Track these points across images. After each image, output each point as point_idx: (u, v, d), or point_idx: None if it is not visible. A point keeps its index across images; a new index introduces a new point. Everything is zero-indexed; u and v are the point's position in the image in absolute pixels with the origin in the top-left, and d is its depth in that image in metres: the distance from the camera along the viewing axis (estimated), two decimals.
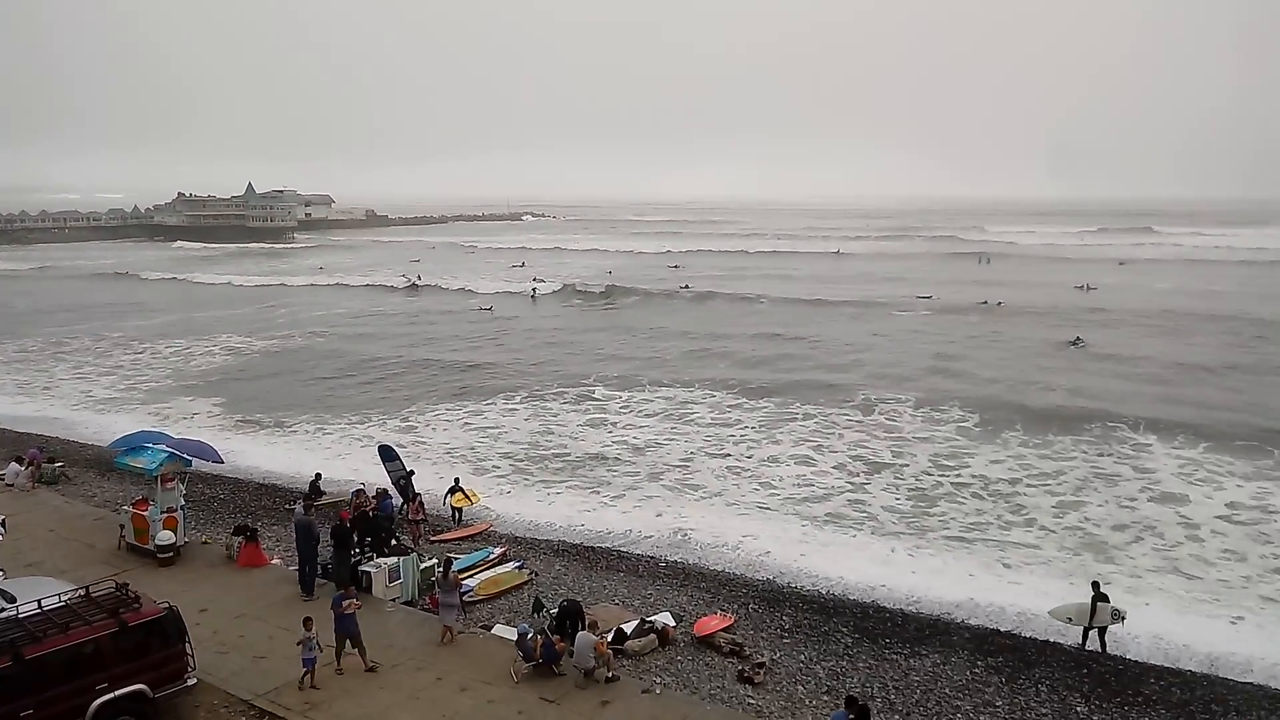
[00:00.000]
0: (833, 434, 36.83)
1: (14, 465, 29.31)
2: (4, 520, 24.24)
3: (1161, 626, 20.35)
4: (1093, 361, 52.04)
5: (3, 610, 14.99)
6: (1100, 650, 19.31)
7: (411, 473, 28.45)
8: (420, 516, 25.73)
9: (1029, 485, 30.58)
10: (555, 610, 18.90)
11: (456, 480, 28.79)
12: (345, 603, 16.73)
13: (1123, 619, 19.34)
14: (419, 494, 27.44)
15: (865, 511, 28.47)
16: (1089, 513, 28.04)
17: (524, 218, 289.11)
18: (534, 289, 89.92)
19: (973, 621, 20.97)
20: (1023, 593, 22.36)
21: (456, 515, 27.70)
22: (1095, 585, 19.93)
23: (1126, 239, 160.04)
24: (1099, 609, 19.27)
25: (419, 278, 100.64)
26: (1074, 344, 56.84)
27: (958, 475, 31.71)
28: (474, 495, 28.55)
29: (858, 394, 43.31)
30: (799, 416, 39.76)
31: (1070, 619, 19.77)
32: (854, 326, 64.82)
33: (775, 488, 30.79)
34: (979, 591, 22.49)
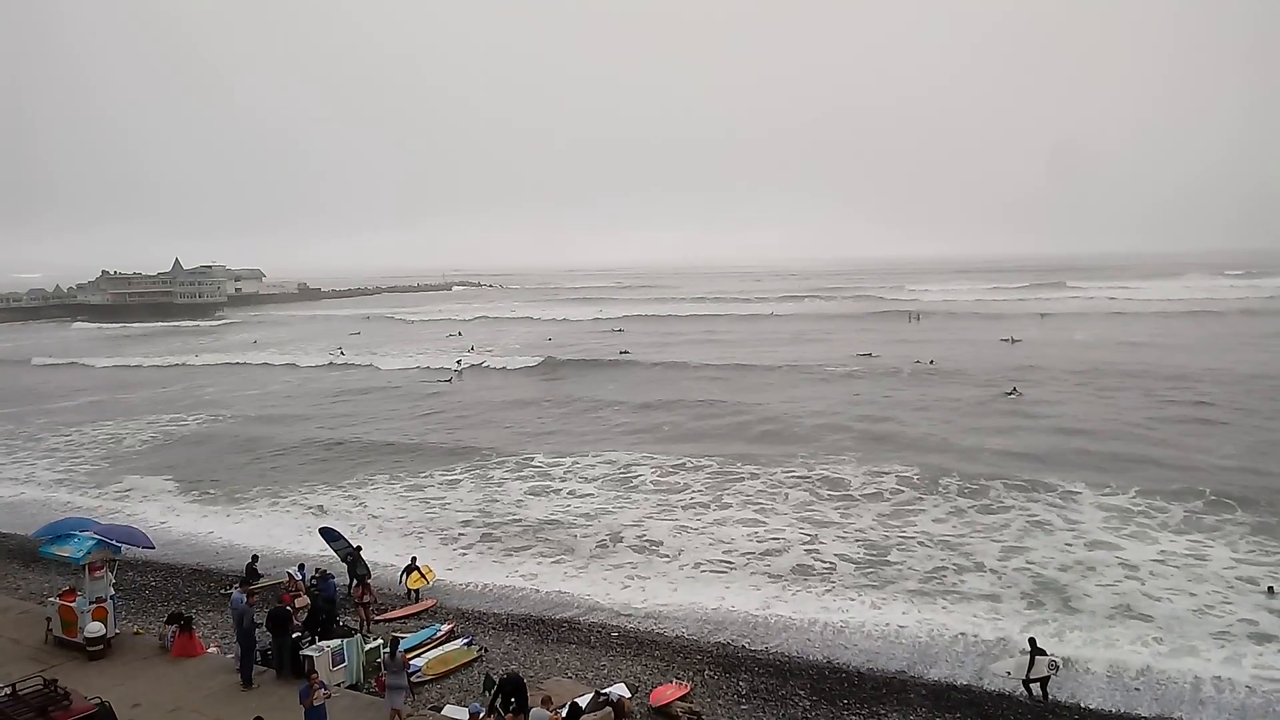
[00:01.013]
0: (779, 495, 36.87)
1: None
2: None
3: (1118, 662, 20.98)
4: (1027, 409, 53.23)
5: None
6: (1044, 699, 19.48)
7: (359, 548, 27.71)
8: (367, 598, 24.76)
9: (974, 537, 30.87)
10: (493, 688, 18.42)
11: (413, 559, 28.09)
12: (313, 693, 16.04)
13: (1058, 668, 19.71)
14: (368, 570, 26.81)
15: (817, 570, 28.41)
16: (1033, 559, 28.42)
17: (452, 288, 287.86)
18: (459, 363, 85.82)
19: (930, 676, 20.97)
20: (976, 643, 22.54)
21: (414, 596, 26.98)
22: (1032, 641, 20.26)
23: (1044, 293, 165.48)
24: (1036, 662, 19.61)
25: (340, 351, 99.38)
26: (1010, 394, 58.20)
27: (903, 531, 31.90)
28: (429, 573, 27.92)
29: (799, 455, 43.54)
30: (744, 478, 39.79)
31: (1009, 673, 20.05)
32: (792, 388, 65.05)
33: (727, 549, 30.61)
34: (933, 644, 22.64)
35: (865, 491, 36.80)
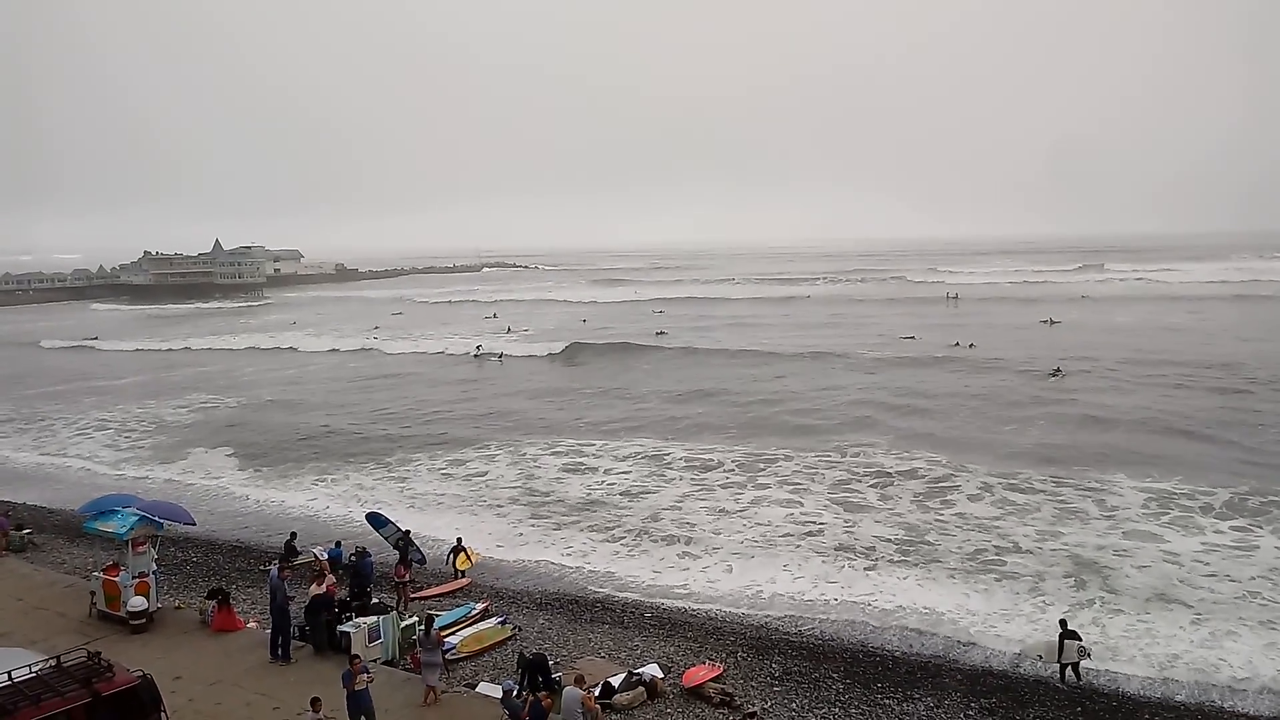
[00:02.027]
0: (814, 478, 36.65)
1: None
2: None
3: (1156, 649, 20.83)
4: (1067, 392, 52.48)
5: None
6: (1078, 683, 19.35)
7: (408, 532, 28.11)
8: (406, 579, 24.96)
9: (1011, 521, 30.54)
10: (520, 670, 18.54)
11: (459, 540, 28.37)
12: (356, 678, 16.07)
13: (1088, 654, 19.56)
14: (423, 555, 27.39)
15: (853, 553, 28.23)
16: (1070, 543, 28.07)
17: (482, 269, 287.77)
18: (478, 348, 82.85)
19: (965, 661, 20.84)
20: (1011, 628, 22.35)
21: (460, 576, 27.25)
22: (1063, 623, 20.14)
23: (1082, 275, 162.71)
24: (1066, 646, 19.45)
25: (375, 331, 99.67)
26: (1054, 374, 57.54)
27: (939, 515, 31.63)
28: (474, 554, 28.13)
29: (834, 440, 43.28)
30: (779, 459, 39.63)
31: (1040, 656, 19.97)
32: (828, 374, 64.22)
33: (761, 531, 30.52)
34: (968, 628, 22.48)
35: (900, 475, 36.48)
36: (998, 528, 29.91)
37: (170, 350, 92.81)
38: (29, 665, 14.51)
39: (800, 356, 70.80)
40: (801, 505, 33.15)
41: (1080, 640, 19.60)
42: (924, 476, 36.14)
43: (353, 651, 19.78)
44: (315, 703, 15.53)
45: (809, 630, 22.88)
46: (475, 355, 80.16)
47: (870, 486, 35.11)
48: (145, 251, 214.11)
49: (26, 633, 20.92)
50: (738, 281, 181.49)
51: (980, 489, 34.14)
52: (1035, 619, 22.85)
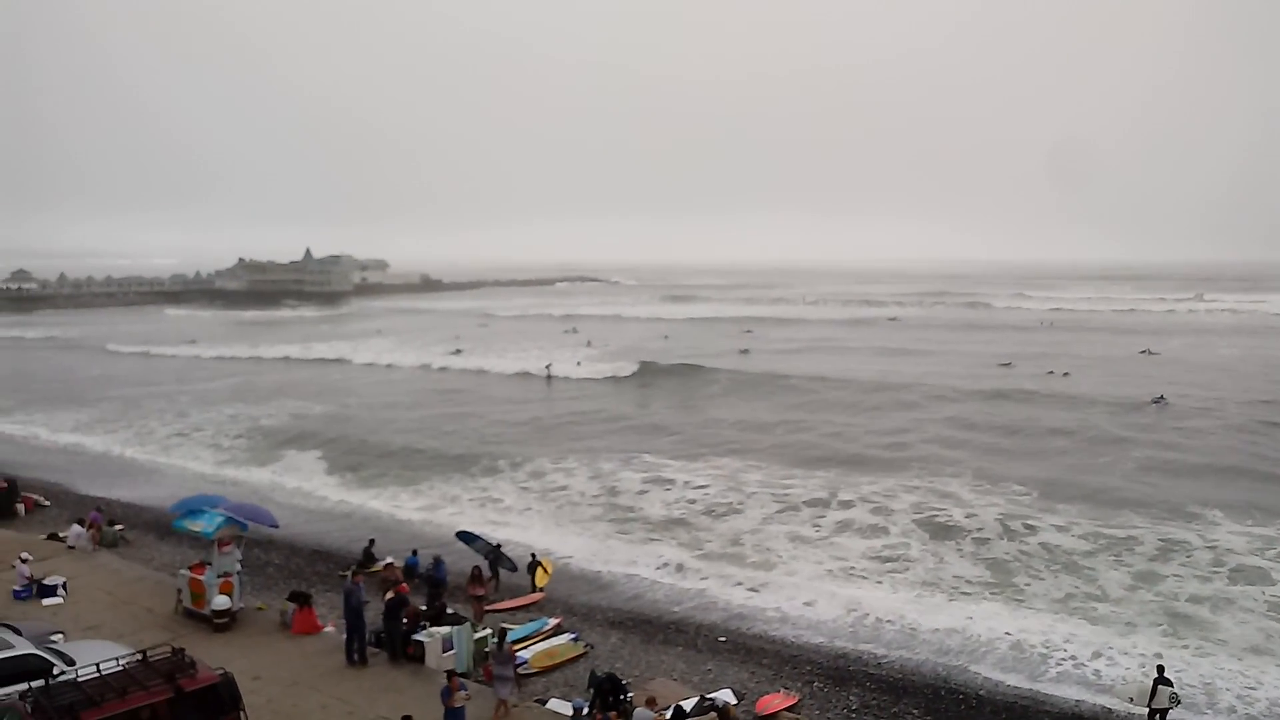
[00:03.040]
0: (895, 508, 35.79)
1: (76, 528, 29.65)
2: (65, 583, 24.48)
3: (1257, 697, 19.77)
4: (1166, 425, 50.50)
5: (62, 673, 14.91)
6: None
7: (498, 545, 28.47)
8: (481, 592, 24.99)
9: (1105, 558, 29.37)
10: (591, 689, 18.34)
11: (534, 555, 28.47)
12: (453, 695, 16.00)
13: (1179, 702, 18.76)
14: (514, 565, 27.84)
15: (935, 584, 27.49)
16: (1167, 584, 26.92)
17: (556, 284, 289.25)
18: (547, 367, 79.72)
19: (1051, 702, 20.01)
20: (1100, 668, 21.44)
21: (538, 591, 27.24)
22: (1159, 669, 19.28)
23: (1181, 304, 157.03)
24: (1159, 691, 18.59)
25: (459, 346, 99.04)
26: (1156, 402, 55.55)
27: (1026, 547, 30.60)
28: (549, 567, 28.16)
29: (919, 467, 42.33)
30: (861, 484, 38.91)
31: (1131, 699, 19.18)
32: (917, 399, 62.72)
33: (841, 560, 29.92)
34: (1055, 667, 21.67)
35: (987, 509, 35.37)
36: (1089, 566, 28.80)
37: (261, 358, 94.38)
38: (116, 658, 14.89)
39: (886, 384, 68.34)
40: (884, 535, 32.41)
41: (1173, 686, 18.74)
42: (1011, 510, 35.02)
43: (427, 662, 19.90)
44: None
45: (889, 663, 22.24)
46: (547, 376, 77.53)
47: (954, 519, 34.10)
48: (240, 258, 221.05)
49: (115, 626, 21.52)
50: (820, 302, 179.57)
51: (1070, 524, 32.94)
52: (1125, 661, 21.91)
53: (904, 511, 35.00)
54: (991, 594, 26.71)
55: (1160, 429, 50.06)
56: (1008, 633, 23.68)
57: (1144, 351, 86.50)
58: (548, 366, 79.65)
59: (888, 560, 29.85)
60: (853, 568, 29.14)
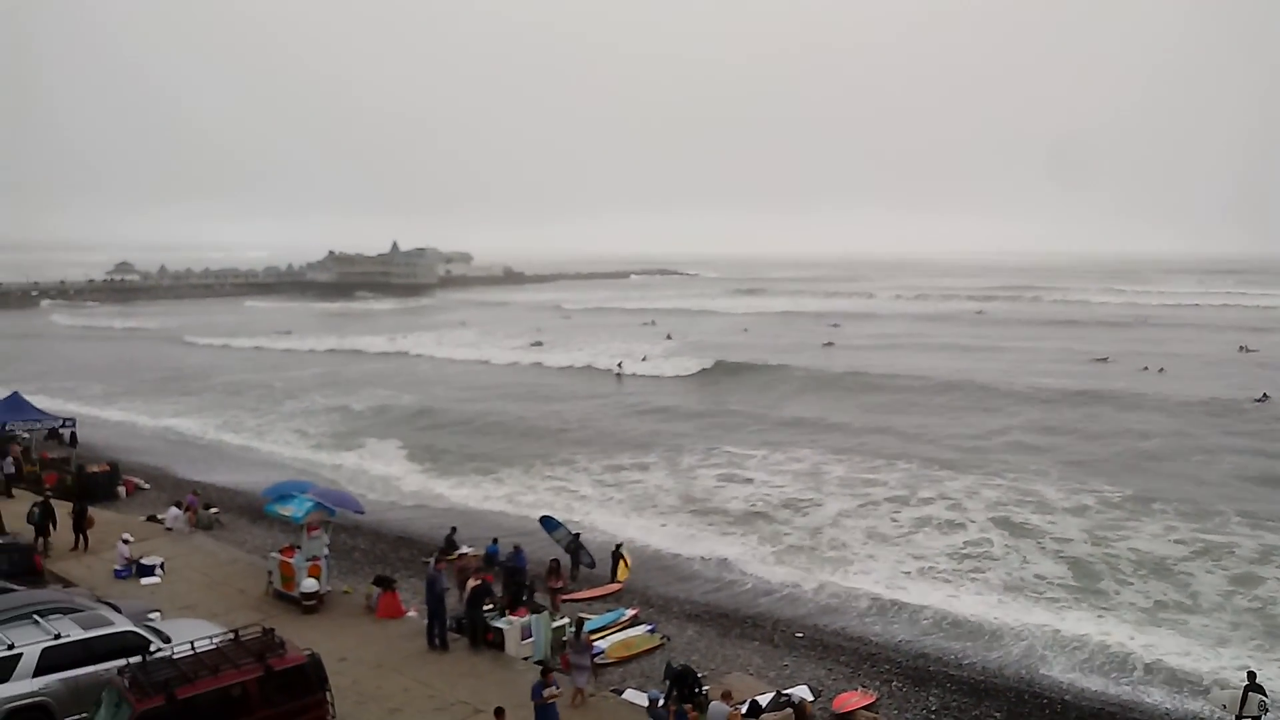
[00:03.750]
0: (976, 506, 35.08)
1: (174, 510, 30.87)
2: (163, 563, 25.51)
3: None
4: (1267, 429, 48.40)
5: (159, 650, 15.56)
6: None
7: (578, 535, 28.74)
8: (559, 585, 25.07)
9: (1199, 562, 28.35)
10: (667, 681, 18.34)
11: (617, 546, 28.69)
12: (546, 691, 16.04)
13: (1267, 709, 18.07)
14: (593, 559, 28.09)
15: (1018, 585, 26.89)
16: (1265, 590, 25.91)
17: (629, 275, 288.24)
18: (620, 365, 77.19)
19: (1139, 708, 19.41)
20: (1189, 674, 20.73)
21: (614, 581, 27.41)
22: (1251, 675, 18.61)
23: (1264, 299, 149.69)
24: (1249, 699, 17.95)
25: (539, 338, 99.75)
26: (1260, 401, 53.35)
27: (1114, 549, 29.68)
28: (629, 560, 28.28)
29: (1002, 463, 41.45)
30: (942, 480, 38.26)
31: (1224, 706, 18.56)
32: (1005, 395, 61.07)
33: (921, 558, 29.46)
34: (1142, 671, 21.04)
35: (1073, 508, 34.45)
36: (1181, 571, 27.80)
37: (347, 350, 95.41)
38: (210, 637, 15.49)
39: (971, 381, 65.69)
40: (965, 533, 31.80)
41: (1264, 695, 18.05)
42: (1099, 509, 34.06)
43: (506, 650, 20.20)
44: (500, 713, 15.44)
45: (969, 663, 21.82)
46: (618, 375, 75.23)
47: (1039, 519, 33.27)
48: (330, 251, 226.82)
49: (209, 606, 22.36)
50: (903, 295, 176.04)
51: (1163, 528, 31.85)
52: (1215, 669, 21.13)
53: (986, 510, 34.30)
54: (1077, 597, 26.00)
55: (1263, 430, 47.98)
56: (1093, 637, 22.99)
57: (1242, 348, 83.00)
58: (619, 364, 77.63)
59: (969, 559, 29.27)
60: (933, 566, 28.65)
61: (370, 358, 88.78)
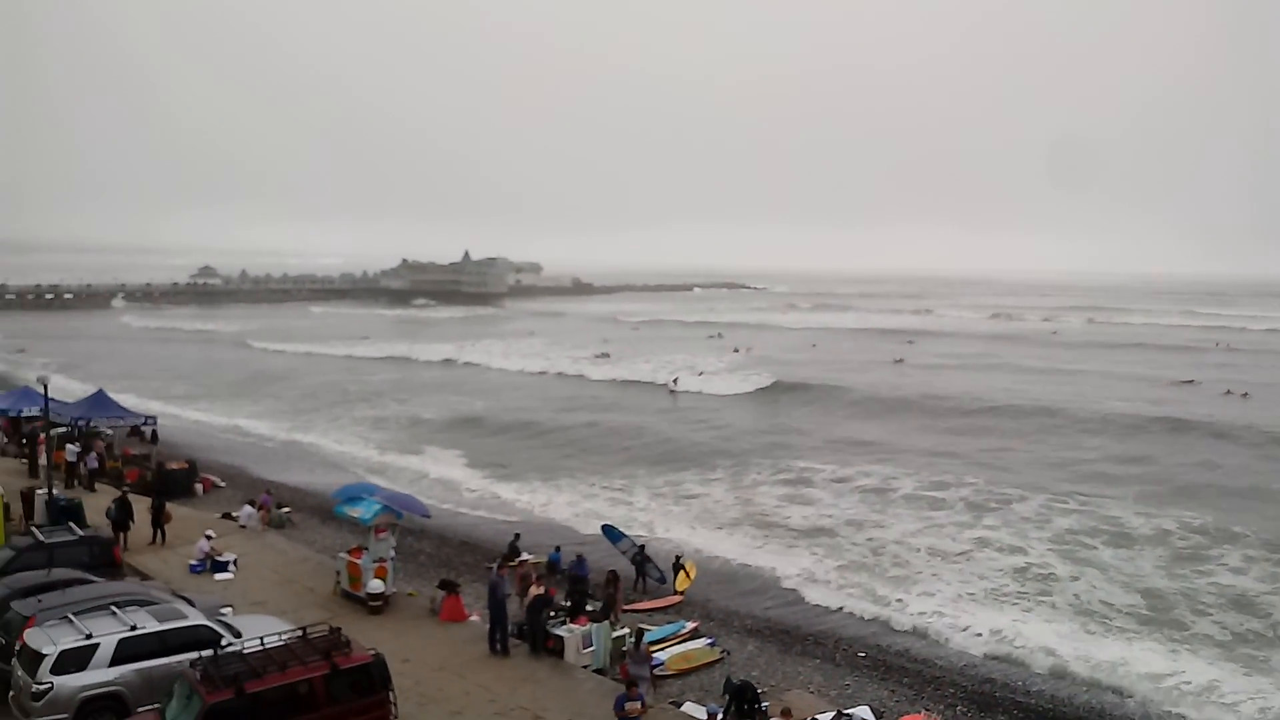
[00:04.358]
0: (1045, 528, 34.25)
1: (247, 508, 31.70)
2: (236, 559, 26.16)
3: None
4: None
5: (229, 645, 15.96)
6: None
7: (642, 547, 28.73)
8: (618, 597, 24.84)
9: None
10: (727, 695, 18.19)
11: (678, 557, 28.66)
12: (629, 705, 15.96)
13: None
14: (661, 573, 27.92)
15: (1090, 611, 26.16)
16: None
17: (694, 289, 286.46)
18: (675, 380, 75.09)
19: None
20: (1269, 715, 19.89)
21: (682, 596, 27.33)
22: None
23: None
24: None
25: (606, 349, 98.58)
26: None
27: (1193, 582, 28.67)
28: (692, 570, 28.23)
29: (1074, 487, 40.36)
30: (1013, 500, 37.45)
31: None
32: (1078, 421, 58.47)
33: (987, 579, 28.86)
34: (1220, 711, 20.23)
35: (1147, 537, 33.31)
36: (1266, 608, 26.71)
37: (417, 359, 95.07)
38: (279, 633, 15.84)
39: (1046, 405, 62.86)
40: (1032, 556, 30.99)
41: None
42: (1176, 539, 32.94)
43: (566, 658, 20.27)
44: None
45: (1037, 690, 21.29)
46: (671, 389, 73.12)
47: (1112, 544, 32.34)
48: (403, 259, 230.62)
49: (278, 603, 22.86)
50: (971, 311, 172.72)
51: (1246, 560, 30.66)
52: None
53: (1055, 535, 33.42)
54: (1149, 629, 25.15)
55: None
56: (1168, 670, 22.26)
57: None
58: (674, 379, 75.48)
59: (1036, 582, 28.58)
60: (1000, 589, 28.01)
61: (437, 366, 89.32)
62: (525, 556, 28.07)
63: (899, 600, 27.00)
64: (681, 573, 27.69)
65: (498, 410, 62.07)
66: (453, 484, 41.74)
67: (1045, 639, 24.03)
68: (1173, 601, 27.05)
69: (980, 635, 24.43)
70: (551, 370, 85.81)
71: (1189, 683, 21.56)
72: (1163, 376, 79.09)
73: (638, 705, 15.99)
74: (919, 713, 19.24)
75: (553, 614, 21.46)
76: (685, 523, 35.35)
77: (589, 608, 22.59)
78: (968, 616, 25.65)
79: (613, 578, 25.15)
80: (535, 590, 21.99)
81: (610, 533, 29.68)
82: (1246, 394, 67.01)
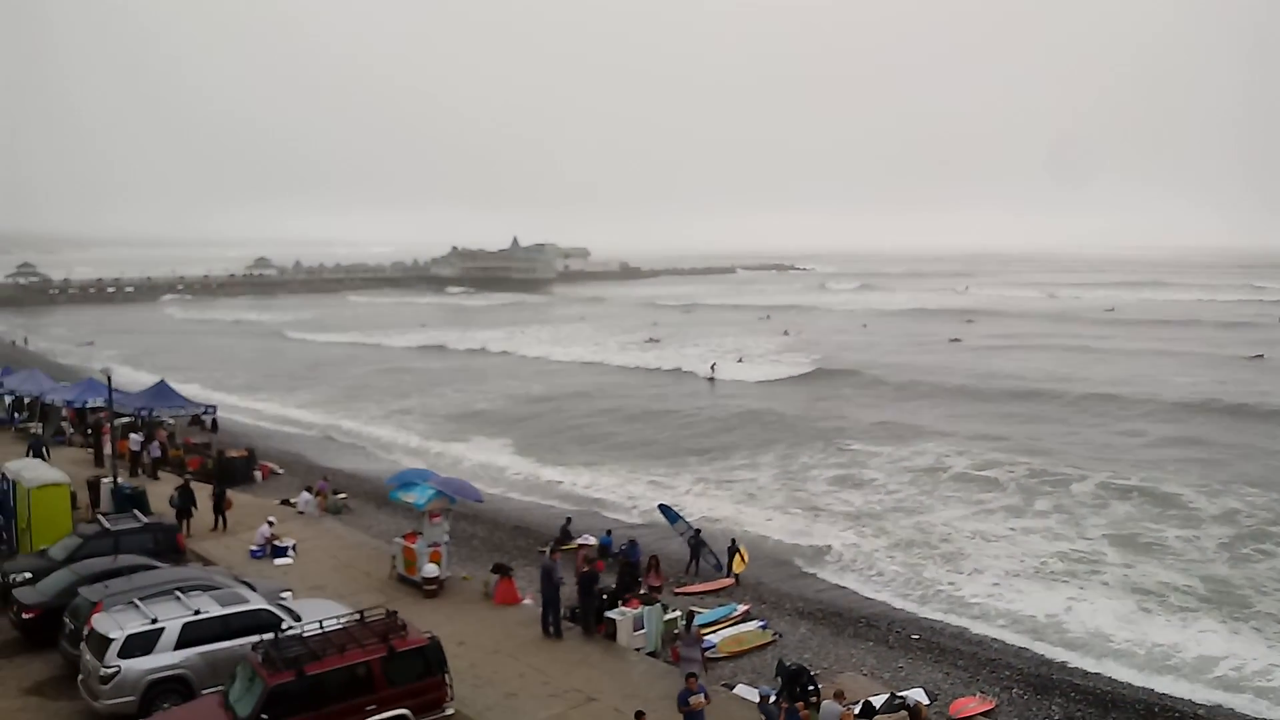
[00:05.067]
0: (1101, 506, 33.72)
1: (305, 494, 32.29)
2: (294, 545, 26.68)
3: None
4: None
5: (290, 628, 16.30)
6: None
7: (698, 531, 28.79)
8: (658, 584, 24.88)
9: None
10: (780, 678, 18.14)
11: (733, 541, 28.62)
12: (692, 699, 15.65)
13: None
14: (717, 558, 27.97)
15: (1150, 593, 25.70)
16: None
17: (736, 270, 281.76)
18: (713, 367, 73.49)
19: None
20: None
21: (737, 580, 27.32)
22: None
23: None
24: None
25: (655, 334, 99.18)
26: None
27: (1256, 564, 28.01)
28: (745, 555, 28.19)
29: (1131, 469, 39.58)
30: (1072, 479, 36.91)
31: None
32: (1137, 403, 57.18)
33: (1042, 561, 28.48)
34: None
35: (1211, 517, 32.63)
36: None
37: (465, 349, 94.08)
38: (337, 617, 16.16)
39: (1102, 388, 60.57)
40: (1090, 541, 30.58)
41: None
42: (1238, 519, 32.18)
43: (619, 640, 20.39)
44: (640, 716, 15.04)
45: (1095, 672, 21.00)
46: (710, 377, 71.34)
47: (1173, 529, 31.64)
48: (453, 246, 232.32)
49: (336, 587, 23.28)
50: (1023, 290, 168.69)
51: None
52: None
53: (1115, 519, 32.86)
54: (1212, 609, 24.66)
55: None
56: (1231, 652, 21.87)
57: None
58: (712, 366, 73.72)
59: (1093, 564, 28.18)
60: (1055, 571, 27.65)
61: (487, 355, 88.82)
62: (585, 539, 28.18)
63: (951, 583, 26.82)
64: (737, 556, 27.68)
65: (544, 400, 62.27)
66: (504, 469, 42.22)
67: (1101, 621, 23.72)
68: (1234, 584, 26.44)
69: (1035, 617, 24.19)
70: (597, 359, 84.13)
71: (1254, 669, 21.11)
72: (1219, 354, 76.90)
73: (701, 698, 15.75)
74: (974, 695, 19.08)
75: (603, 594, 21.58)
76: (732, 505, 35.31)
77: (641, 592, 22.71)
78: (1022, 598, 25.42)
79: (655, 563, 25.20)
80: (582, 568, 22.14)
81: (668, 513, 29.78)
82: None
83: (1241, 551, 29.06)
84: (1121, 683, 20.51)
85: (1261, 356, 72.25)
